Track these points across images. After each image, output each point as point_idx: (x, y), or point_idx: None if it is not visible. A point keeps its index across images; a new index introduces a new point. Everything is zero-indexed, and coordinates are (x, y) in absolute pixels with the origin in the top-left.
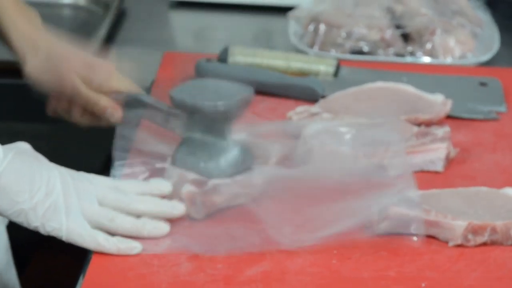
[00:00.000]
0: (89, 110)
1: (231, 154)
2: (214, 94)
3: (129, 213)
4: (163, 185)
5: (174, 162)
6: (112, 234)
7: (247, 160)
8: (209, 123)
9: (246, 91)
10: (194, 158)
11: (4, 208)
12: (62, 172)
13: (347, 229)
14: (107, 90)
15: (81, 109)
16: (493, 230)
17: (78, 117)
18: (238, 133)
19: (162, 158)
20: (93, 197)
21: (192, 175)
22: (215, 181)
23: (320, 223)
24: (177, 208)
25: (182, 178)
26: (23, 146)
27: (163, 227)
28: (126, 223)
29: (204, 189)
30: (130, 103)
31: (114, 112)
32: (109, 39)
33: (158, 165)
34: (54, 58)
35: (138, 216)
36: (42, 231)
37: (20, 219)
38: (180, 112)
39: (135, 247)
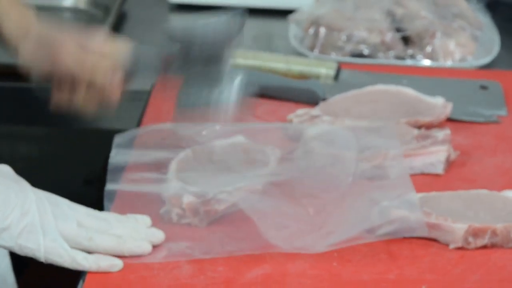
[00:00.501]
0: (91, 84)
1: (234, 80)
2: (206, 20)
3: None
4: (144, 219)
5: (178, 103)
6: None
7: (250, 85)
8: (206, 53)
9: (237, 11)
10: (197, 90)
11: None
12: (39, 195)
13: (349, 237)
14: (103, 54)
15: (83, 87)
16: (494, 233)
17: (81, 102)
18: (236, 137)
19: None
20: (71, 219)
21: (192, 188)
22: (216, 191)
23: (321, 232)
24: (157, 236)
25: (182, 190)
26: (4, 169)
27: (145, 246)
28: (106, 241)
29: (205, 199)
30: (129, 63)
31: (114, 75)
32: None
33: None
34: (47, 36)
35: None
36: (19, 252)
37: None
38: (177, 51)
39: (116, 264)
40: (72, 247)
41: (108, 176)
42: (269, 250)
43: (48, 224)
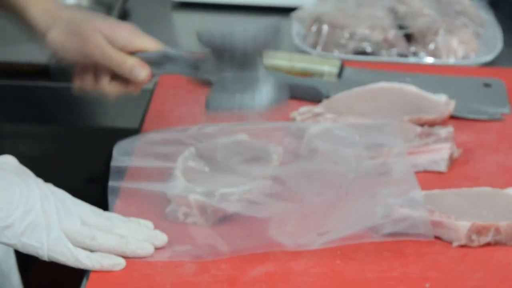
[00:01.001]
0: (116, 73)
1: (266, 84)
2: (241, 26)
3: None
4: (146, 223)
5: (208, 104)
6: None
7: (282, 91)
8: (240, 58)
9: (273, 23)
10: (229, 94)
11: None
12: (44, 190)
13: (353, 233)
14: (131, 50)
15: (108, 75)
16: (497, 231)
17: (105, 85)
18: (239, 135)
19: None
20: (75, 216)
21: (199, 188)
22: (223, 191)
23: (325, 229)
24: (160, 238)
25: (189, 189)
26: (8, 161)
27: (148, 248)
28: (109, 241)
29: (213, 200)
30: (157, 59)
31: (141, 70)
32: None
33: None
34: (77, 23)
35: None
36: (22, 249)
37: None
38: (208, 55)
39: (119, 263)
40: (75, 246)
41: (112, 173)
42: (273, 248)
43: (52, 222)
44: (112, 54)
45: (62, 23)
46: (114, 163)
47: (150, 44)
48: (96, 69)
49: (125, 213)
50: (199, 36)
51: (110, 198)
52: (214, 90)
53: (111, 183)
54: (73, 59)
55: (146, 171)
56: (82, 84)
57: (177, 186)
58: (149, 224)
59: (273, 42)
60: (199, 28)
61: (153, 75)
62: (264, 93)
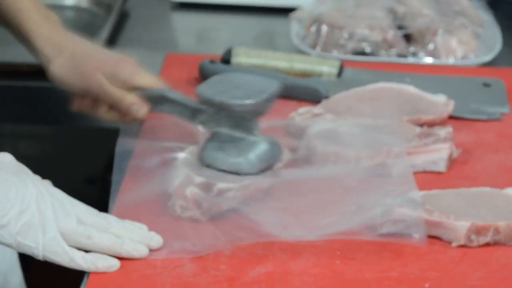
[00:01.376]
0: (115, 107)
1: (260, 149)
2: (241, 90)
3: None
4: (141, 226)
5: (202, 159)
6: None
7: (276, 153)
8: (237, 119)
9: (273, 86)
10: (223, 154)
11: None
12: (40, 189)
13: (350, 229)
14: (132, 87)
15: (106, 106)
16: (496, 231)
17: (103, 114)
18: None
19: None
20: (71, 215)
21: (199, 178)
22: (221, 186)
23: (323, 222)
24: (155, 240)
25: (189, 179)
26: (5, 159)
27: (142, 250)
28: (105, 240)
29: (210, 194)
30: (156, 99)
31: (139, 108)
32: (112, 40)
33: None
34: (79, 57)
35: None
36: (17, 249)
37: None
38: (206, 107)
39: (113, 265)
40: (71, 245)
41: (115, 165)
42: (269, 239)
43: (48, 221)
44: (112, 91)
45: (65, 56)
46: (118, 153)
47: (150, 81)
48: (96, 99)
49: (126, 210)
50: (198, 93)
51: (113, 193)
52: (208, 147)
53: (114, 175)
54: (73, 91)
55: (149, 164)
56: (80, 106)
57: (178, 175)
58: (144, 226)
59: (270, 108)
60: (199, 88)
61: (151, 112)
62: (258, 157)
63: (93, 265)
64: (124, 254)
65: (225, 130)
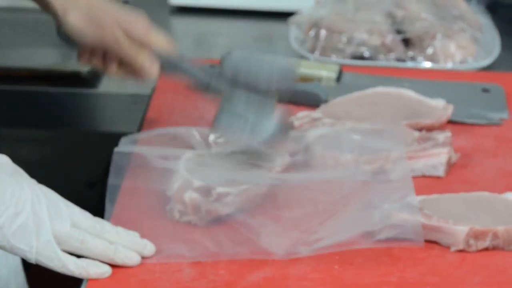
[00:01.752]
0: (127, 65)
1: (274, 118)
2: (267, 71)
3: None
4: (134, 233)
5: (217, 125)
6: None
7: (285, 129)
8: (253, 84)
9: (293, 68)
10: (238, 118)
11: None
12: (36, 192)
13: (346, 239)
14: (145, 45)
15: (116, 63)
16: (495, 235)
17: (112, 69)
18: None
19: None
20: (66, 218)
21: (197, 182)
22: (220, 190)
23: (317, 236)
24: (148, 248)
25: (187, 183)
26: (2, 160)
27: (135, 258)
28: (98, 246)
29: (209, 198)
30: (169, 64)
31: (152, 68)
32: None
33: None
34: (96, 10)
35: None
36: (10, 251)
37: None
38: (221, 84)
39: (105, 271)
40: (64, 249)
41: (112, 169)
42: (264, 256)
43: (42, 225)
44: (127, 47)
45: (82, 7)
46: (117, 155)
47: (163, 41)
48: (107, 53)
49: (125, 212)
50: (223, 59)
51: (110, 196)
52: (223, 111)
53: (111, 180)
54: (89, 44)
55: (148, 167)
56: (89, 60)
57: (177, 179)
58: (137, 234)
59: (287, 82)
60: (225, 52)
61: (162, 71)
62: (271, 125)
63: (84, 271)
64: (117, 260)
65: (241, 96)
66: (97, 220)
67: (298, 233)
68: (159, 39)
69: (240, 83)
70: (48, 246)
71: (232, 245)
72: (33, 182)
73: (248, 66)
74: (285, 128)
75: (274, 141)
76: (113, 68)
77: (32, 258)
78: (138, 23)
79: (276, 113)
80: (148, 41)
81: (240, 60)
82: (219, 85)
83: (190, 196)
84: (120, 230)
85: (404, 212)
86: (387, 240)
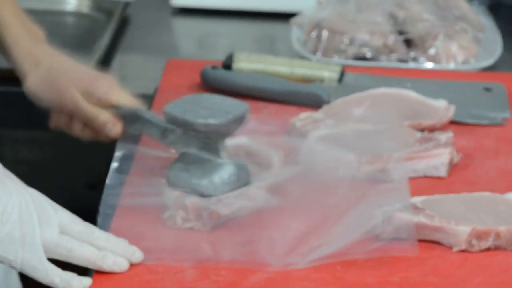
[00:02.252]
0: (89, 125)
1: (225, 172)
2: (207, 110)
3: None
4: (123, 240)
5: (167, 179)
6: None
7: (243, 177)
8: (203, 140)
9: (241, 108)
10: (188, 175)
11: None
12: (25, 198)
13: (342, 249)
14: (107, 105)
15: (81, 124)
16: (497, 235)
17: (78, 132)
18: (240, 138)
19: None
20: (54, 225)
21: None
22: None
23: (316, 243)
24: (136, 256)
25: (183, 196)
26: None
27: (123, 264)
28: (86, 253)
29: (209, 203)
30: (130, 117)
31: (113, 127)
32: (113, 46)
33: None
34: (55, 72)
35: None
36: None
37: None
38: (176, 128)
39: (86, 285)
40: (50, 257)
41: (108, 184)
42: (262, 268)
43: (29, 234)
44: (85, 108)
45: (41, 70)
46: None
47: (126, 100)
48: (71, 115)
49: (123, 222)
50: (164, 111)
51: (108, 207)
52: (174, 167)
53: (108, 190)
54: (48, 106)
55: (145, 176)
56: (58, 123)
57: (171, 195)
58: (125, 240)
59: (236, 130)
60: (166, 106)
61: (124, 132)
62: (222, 180)
63: (68, 284)
64: (104, 267)
65: (192, 151)
66: (87, 225)
67: (296, 240)
68: (121, 97)
69: (188, 132)
70: (34, 256)
71: (230, 253)
72: (22, 186)
73: (186, 122)
74: (243, 173)
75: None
76: (77, 129)
77: (18, 267)
78: (100, 83)
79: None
80: (109, 100)
81: (180, 109)
82: (173, 138)
83: (191, 201)
84: (110, 236)
85: (406, 212)
86: (382, 249)
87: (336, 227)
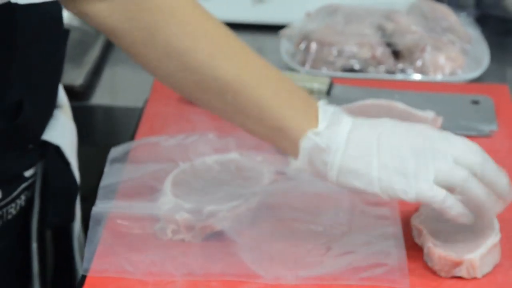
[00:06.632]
0: None
1: None
2: None
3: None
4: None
5: None
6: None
7: None
8: None
9: None
10: None
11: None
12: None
13: (333, 272)
14: None
15: None
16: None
17: None
18: (231, 154)
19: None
20: (448, 156)
21: (187, 204)
22: (211, 208)
23: (305, 262)
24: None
25: (178, 206)
26: None
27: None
28: (478, 188)
29: (201, 217)
30: None
31: None
32: (103, 59)
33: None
34: None
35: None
36: (385, 196)
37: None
38: None
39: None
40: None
41: (100, 193)
42: (251, 279)
43: (423, 166)
44: None
45: None
46: (104, 182)
47: None
48: None
49: (113, 234)
50: None
51: (98, 219)
52: None
53: (99, 203)
54: None
55: (136, 189)
56: None
57: (166, 202)
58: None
59: None
60: None
61: None
62: None
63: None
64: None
65: None
66: (486, 157)
67: (285, 255)
68: None
69: None
70: (426, 186)
71: (219, 266)
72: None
73: None
74: None
75: None
76: None
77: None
78: None
79: None
80: None
81: None
82: None
83: (181, 216)
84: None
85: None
86: (374, 278)
87: (328, 251)
